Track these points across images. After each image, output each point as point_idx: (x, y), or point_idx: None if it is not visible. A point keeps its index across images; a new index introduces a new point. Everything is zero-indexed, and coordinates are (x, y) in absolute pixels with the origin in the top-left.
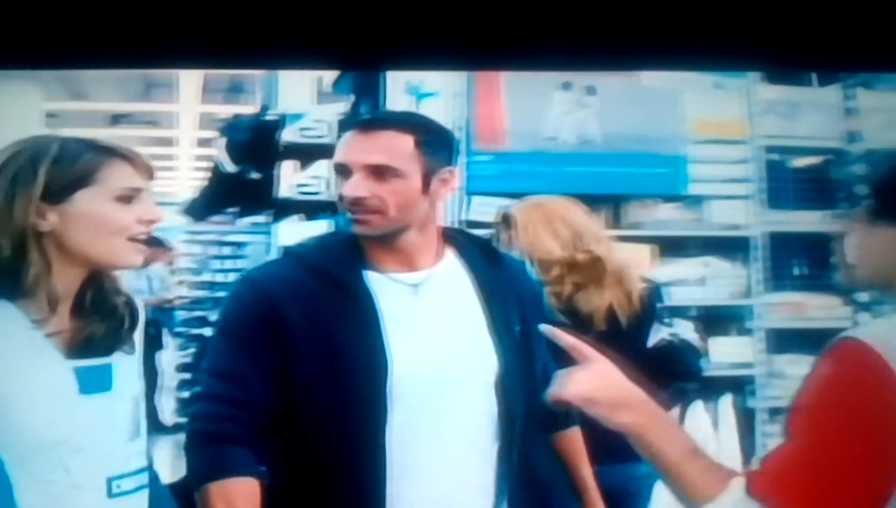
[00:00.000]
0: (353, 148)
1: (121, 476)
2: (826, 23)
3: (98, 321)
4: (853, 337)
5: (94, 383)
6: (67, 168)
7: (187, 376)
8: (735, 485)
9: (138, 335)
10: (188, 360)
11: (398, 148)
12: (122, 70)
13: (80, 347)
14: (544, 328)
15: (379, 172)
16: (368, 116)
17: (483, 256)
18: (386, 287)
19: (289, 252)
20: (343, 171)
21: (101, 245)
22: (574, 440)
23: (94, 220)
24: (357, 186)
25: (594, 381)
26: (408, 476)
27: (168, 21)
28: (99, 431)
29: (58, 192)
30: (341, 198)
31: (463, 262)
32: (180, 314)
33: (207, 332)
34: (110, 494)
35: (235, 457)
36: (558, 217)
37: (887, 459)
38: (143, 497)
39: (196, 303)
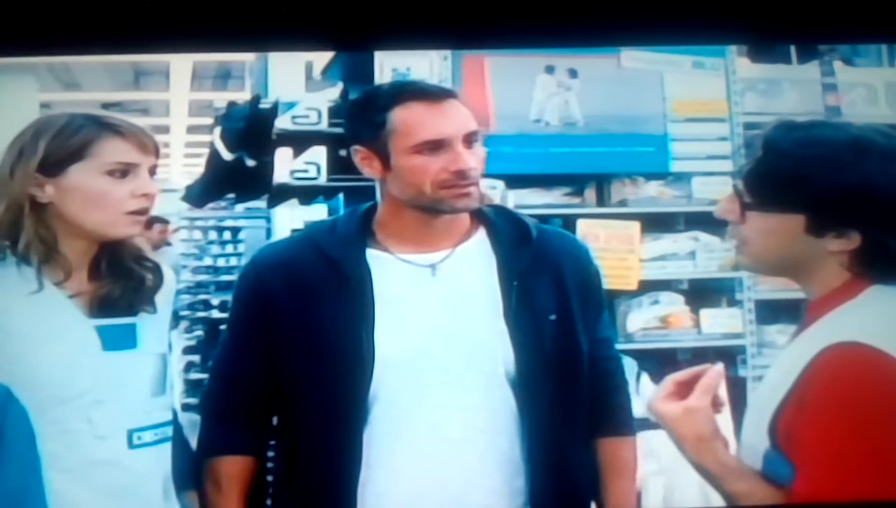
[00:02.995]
0: (447, 119)
1: (142, 429)
2: None
3: (112, 282)
4: (852, 342)
5: (118, 340)
6: (63, 143)
7: (194, 358)
8: None
9: (162, 297)
10: (193, 343)
11: (470, 113)
12: (113, 57)
13: (99, 307)
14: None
15: (469, 141)
16: (430, 87)
17: (514, 235)
18: (391, 268)
19: (303, 229)
20: (436, 146)
21: (94, 217)
22: (616, 451)
23: (86, 193)
24: (469, 156)
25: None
26: (388, 470)
27: (158, 5)
28: (121, 385)
29: (54, 165)
30: (443, 173)
31: (491, 242)
32: (184, 298)
33: (212, 315)
34: (131, 445)
35: (227, 435)
36: None
37: None
38: (165, 449)
39: (199, 287)
